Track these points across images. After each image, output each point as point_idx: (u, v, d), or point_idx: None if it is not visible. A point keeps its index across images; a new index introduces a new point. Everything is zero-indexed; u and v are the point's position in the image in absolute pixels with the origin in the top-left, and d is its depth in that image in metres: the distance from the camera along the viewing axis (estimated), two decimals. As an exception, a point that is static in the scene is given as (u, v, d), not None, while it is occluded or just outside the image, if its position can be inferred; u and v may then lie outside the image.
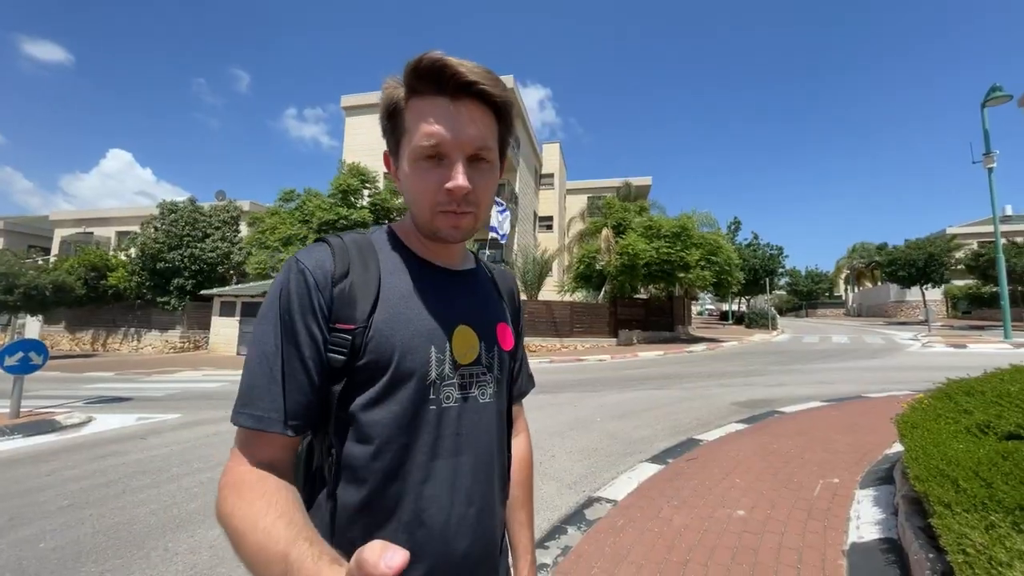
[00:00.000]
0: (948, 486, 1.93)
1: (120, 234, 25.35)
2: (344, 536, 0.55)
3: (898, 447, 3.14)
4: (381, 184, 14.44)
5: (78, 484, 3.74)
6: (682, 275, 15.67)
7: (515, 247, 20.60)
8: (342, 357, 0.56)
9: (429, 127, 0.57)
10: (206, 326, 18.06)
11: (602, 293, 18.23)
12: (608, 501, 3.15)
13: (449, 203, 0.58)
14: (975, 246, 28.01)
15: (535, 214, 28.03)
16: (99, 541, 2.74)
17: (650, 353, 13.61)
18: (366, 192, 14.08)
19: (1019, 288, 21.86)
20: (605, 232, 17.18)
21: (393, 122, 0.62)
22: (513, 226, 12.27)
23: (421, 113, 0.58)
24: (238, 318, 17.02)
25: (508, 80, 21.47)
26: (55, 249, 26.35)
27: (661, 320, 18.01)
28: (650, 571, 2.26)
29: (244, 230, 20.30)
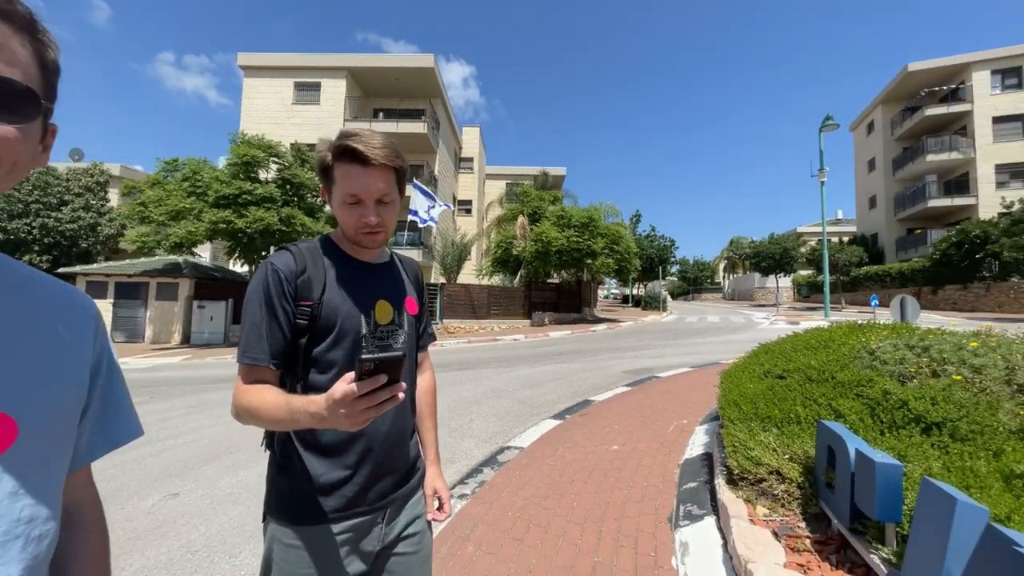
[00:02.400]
0: (734, 409, 2.90)
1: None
2: (307, 430, 0.91)
3: (725, 394, 4.29)
4: (291, 157, 13.51)
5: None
6: (589, 262, 17.22)
7: (434, 231, 20.64)
8: (305, 322, 0.91)
9: (350, 185, 0.90)
10: (66, 310, 15.45)
11: (518, 277, 19.24)
12: (516, 448, 3.85)
13: (366, 228, 0.94)
14: (814, 243, 34.50)
15: (454, 197, 28.08)
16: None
17: (560, 332, 14.92)
18: (274, 166, 13.11)
19: (840, 277, 27.63)
20: (521, 220, 18.09)
21: (325, 175, 0.94)
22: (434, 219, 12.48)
23: (344, 174, 0.90)
24: (111, 300, 14.85)
25: (428, 59, 21.06)
26: None
27: (571, 303, 19.59)
28: (546, 489, 2.98)
29: (115, 199, 17.51)
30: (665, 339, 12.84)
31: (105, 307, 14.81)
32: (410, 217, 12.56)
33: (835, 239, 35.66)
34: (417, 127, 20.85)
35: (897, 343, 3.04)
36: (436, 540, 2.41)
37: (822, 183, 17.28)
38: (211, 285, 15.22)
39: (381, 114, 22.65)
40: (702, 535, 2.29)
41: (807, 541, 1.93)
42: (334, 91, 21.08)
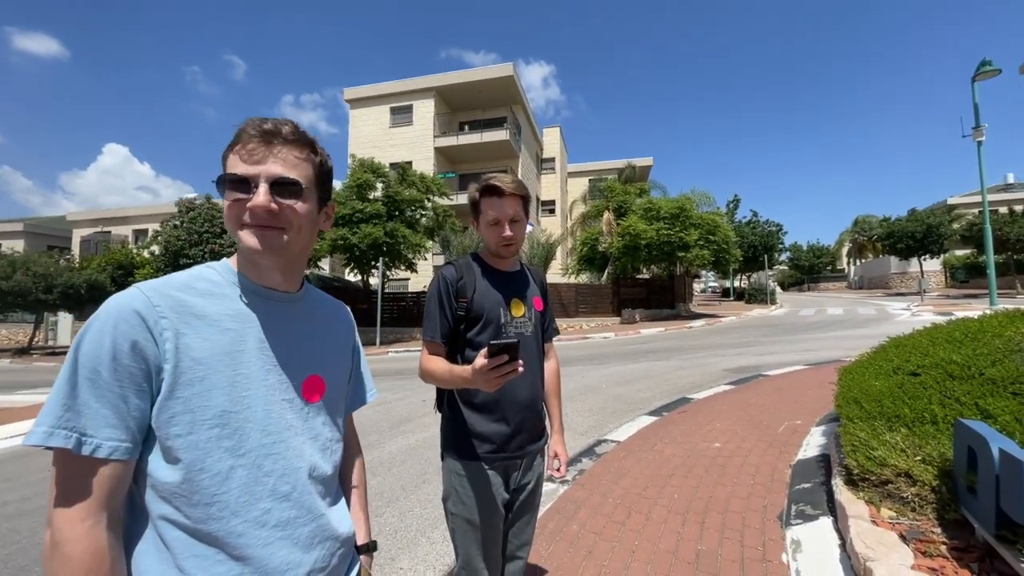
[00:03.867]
0: (855, 407, 2.70)
1: (137, 232, 26.17)
2: (466, 392, 1.30)
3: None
4: (391, 176, 15.04)
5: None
6: (682, 255, 16.33)
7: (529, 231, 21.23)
8: (462, 314, 1.29)
9: (492, 212, 1.27)
10: (229, 318, 18.99)
11: (605, 274, 18.94)
12: (613, 442, 3.96)
13: (503, 242, 1.29)
14: (973, 216, 28.33)
15: (537, 199, 28.52)
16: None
17: (652, 330, 14.40)
18: (379, 185, 14.72)
19: (1013, 256, 22.32)
20: (607, 215, 17.78)
21: (474, 207, 1.32)
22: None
23: (488, 204, 1.28)
24: (260, 309, 17.93)
25: (507, 68, 21.75)
26: (75, 248, 27.25)
27: (663, 298, 18.74)
28: (643, 481, 3.07)
29: (258, 225, 21.04)
30: (773, 335, 11.70)
31: (256, 315, 17.89)
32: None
33: (1003, 209, 28.87)
34: (499, 135, 21.65)
35: (1076, 334, 2.55)
36: (542, 518, 2.66)
37: (979, 143, 14.23)
38: (333, 292, 17.56)
39: (466, 127, 23.94)
40: (816, 535, 2.21)
41: (942, 547, 1.79)
42: (424, 111, 22.83)
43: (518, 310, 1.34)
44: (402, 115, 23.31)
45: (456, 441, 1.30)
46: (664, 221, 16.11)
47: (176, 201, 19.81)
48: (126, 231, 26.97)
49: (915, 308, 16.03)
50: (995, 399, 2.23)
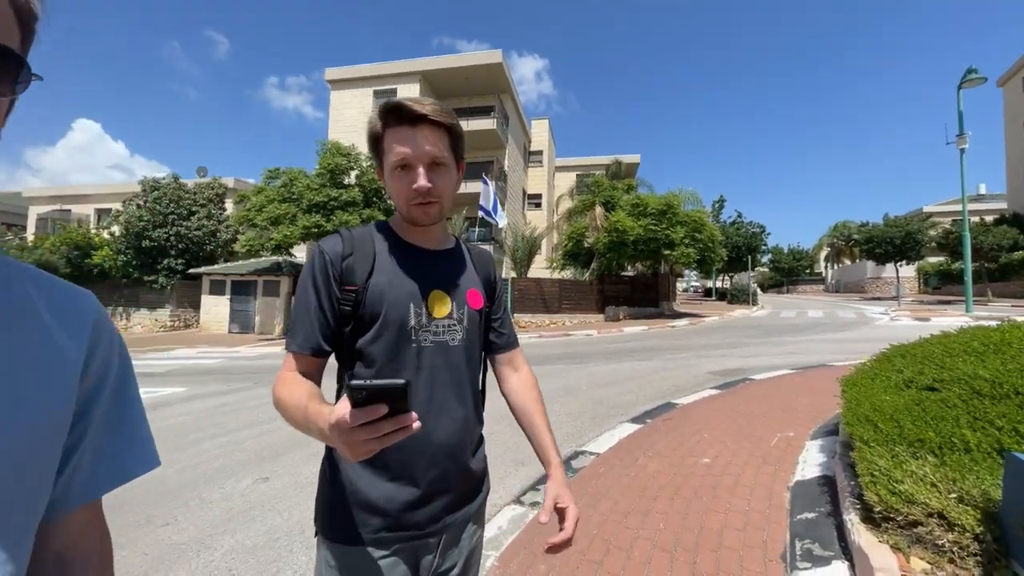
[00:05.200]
0: (869, 428, 2.34)
1: (100, 211, 24.71)
2: None
3: (845, 404, 3.59)
4: (363, 161, 14.33)
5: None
6: (667, 252, 16.10)
7: (504, 225, 20.73)
8: (349, 308, 0.84)
9: (398, 147, 0.82)
10: (196, 304, 18.04)
11: (590, 270, 18.63)
12: (591, 454, 3.56)
13: (417, 198, 0.83)
14: (948, 224, 29.03)
15: (524, 191, 28.01)
16: (135, 495, 3.06)
17: (635, 328, 14.15)
18: (353, 172, 14.01)
19: (984, 264, 22.89)
20: (598, 210, 17.43)
21: (376, 146, 0.87)
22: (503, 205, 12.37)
23: (393, 137, 0.83)
24: (228, 296, 17.03)
25: (496, 55, 21.11)
26: (31, 227, 25.61)
27: (647, 296, 18.53)
28: (625, 504, 2.67)
29: (230, 207, 20.03)
30: (757, 336, 11.55)
31: (224, 302, 17.01)
32: (480, 213, 12.66)
33: (976, 219, 29.66)
34: (486, 123, 21.04)
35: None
36: (506, 552, 2.23)
37: (962, 150, 14.33)
38: (306, 282, 16.81)
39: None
40: (830, 584, 1.85)
41: (999, 618, 1.43)
42: (408, 96, 21.98)
43: (441, 307, 0.89)
44: (385, 98, 22.31)
45: (329, 513, 0.84)
46: (651, 218, 15.83)
47: (140, 180, 18.67)
48: (88, 210, 25.43)
49: (893, 312, 16.20)
50: (1041, 425, 1.89)
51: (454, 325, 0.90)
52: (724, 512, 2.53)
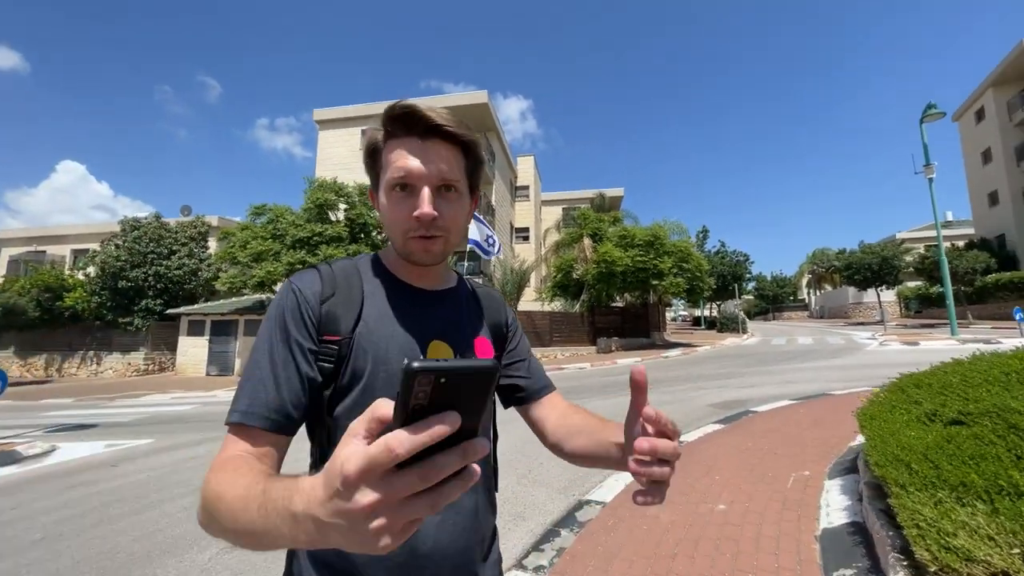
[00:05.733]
0: (903, 469, 2.14)
1: (76, 252, 24.06)
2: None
3: (860, 439, 3.39)
4: (356, 198, 14.31)
5: (49, 516, 3.57)
6: (656, 283, 16.17)
7: (493, 259, 20.73)
8: (330, 366, 0.63)
9: (400, 161, 0.64)
10: (173, 346, 17.30)
11: (580, 302, 18.55)
12: (597, 503, 3.27)
13: (418, 229, 0.65)
14: (922, 250, 30.07)
15: (511, 225, 28.30)
16: (82, 571, 2.65)
17: (628, 359, 13.92)
18: (342, 207, 13.95)
19: (961, 288, 23.54)
20: (586, 241, 17.57)
21: (374, 160, 0.69)
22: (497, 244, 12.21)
23: (395, 150, 0.65)
24: (207, 337, 16.41)
25: (481, 96, 21.82)
26: (2, 269, 24.74)
27: (638, 327, 18.44)
28: (641, 566, 2.38)
29: (213, 246, 19.68)
30: (751, 365, 11.42)
31: (203, 343, 16.36)
32: (469, 247, 12.55)
33: (947, 244, 30.81)
34: (473, 160, 21.43)
35: None
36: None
37: (930, 180, 14.98)
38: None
39: (440, 151, 23.64)
40: (890, 664, 1.59)
41: None
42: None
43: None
44: (374, 138, 22.83)
45: None
46: (639, 248, 15.99)
47: (119, 220, 18.32)
48: (64, 251, 24.75)
49: (881, 338, 16.31)
50: (1097, 464, 1.72)
51: None
52: (752, 572, 2.26)
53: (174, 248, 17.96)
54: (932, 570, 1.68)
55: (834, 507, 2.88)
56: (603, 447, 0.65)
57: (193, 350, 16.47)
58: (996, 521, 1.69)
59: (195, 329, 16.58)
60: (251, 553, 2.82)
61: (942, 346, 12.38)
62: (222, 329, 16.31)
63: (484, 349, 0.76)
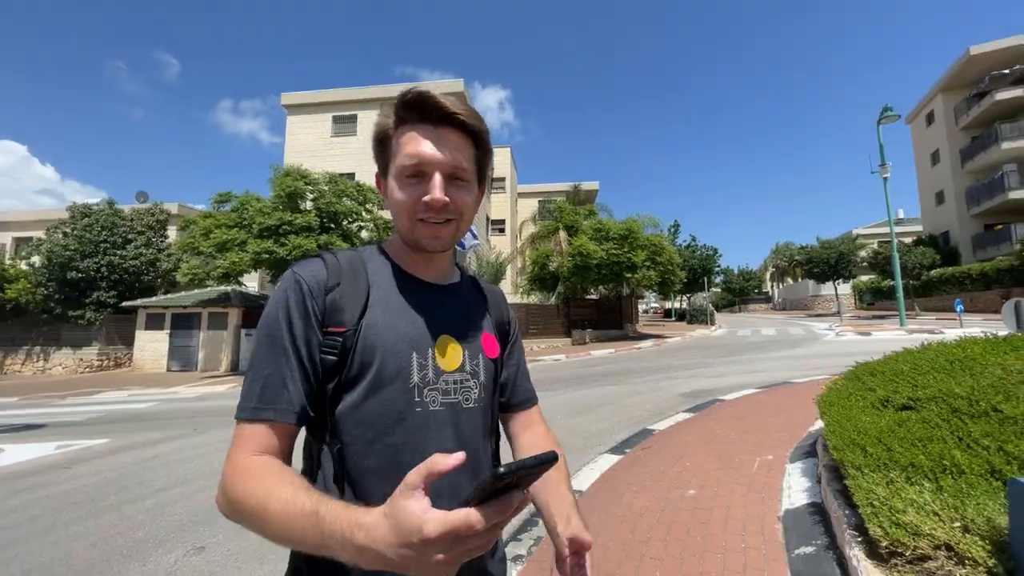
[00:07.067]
0: (858, 452, 2.28)
1: (19, 240, 22.35)
2: None
3: (820, 424, 3.59)
4: (325, 186, 13.82)
5: (-6, 523, 3.34)
6: (630, 275, 16.49)
7: (468, 252, 20.60)
8: (334, 358, 0.62)
9: (413, 148, 0.64)
10: (129, 341, 16.41)
11: (555, 294, 18.73)
12: (574, 492, 3.33)
13: (427, 212, 0.65)
14: (875, 245, 31.84)
15: (487, 217, 28.16)
16: (32, 581, 2.50)
17: (602, 351, 14.19)
18: (310, 195, 13.47)
19: (910, 282, 25.12)
20: (562, 234, 17.68)
21: (383, 147, 0.69)
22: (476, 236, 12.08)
23: (407, 137, 0.65)
24: (168, 331, 15.64)
25: (457, 84, 21.46)
26: (-68, 258, 22.71)
27: (611, 319, 18.80)
28: (617, 551, 2.45)
29: (173, 235, 18.68)
30: (719, 356, 11.85)
31: (163, 338, 15.59)
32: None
33: (897, 240, 32.77)
34: (449, 150, 21.13)
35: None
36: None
37: (885, 179, 15.84)
38: (258, 313, 15.72)
39: (414, 140, 23.18)
40: (845, 633, 1.70)
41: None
42: (369, 122, 21.69)
43: (451, 357, 0.68)
44: (345, 124, 22.11)
45: None
46: (613, 242, 16.24)
47: (68, 206, 17.11)
48: (5, 239, 22.95)
49: (838, 328, 17.24)
50: (1026, 443, 1.88)
51: (467, 381, 0.69)
52: (721, 552, 2.36)
53: (129, 237, 16.94)
54: (884, 544, 1.80)
55: (795, 489, 3.05)
56: (545, 513, 0.70)
57: (152, 345, 15.68)
58: (940, 498, 1.83)
59: (154, 323, 15.76)
60: (219, 555, 2.74)
61: (891, 336, 13.20)
62: (184, 322, 15.57)
63: (491, 346, 0.75)
